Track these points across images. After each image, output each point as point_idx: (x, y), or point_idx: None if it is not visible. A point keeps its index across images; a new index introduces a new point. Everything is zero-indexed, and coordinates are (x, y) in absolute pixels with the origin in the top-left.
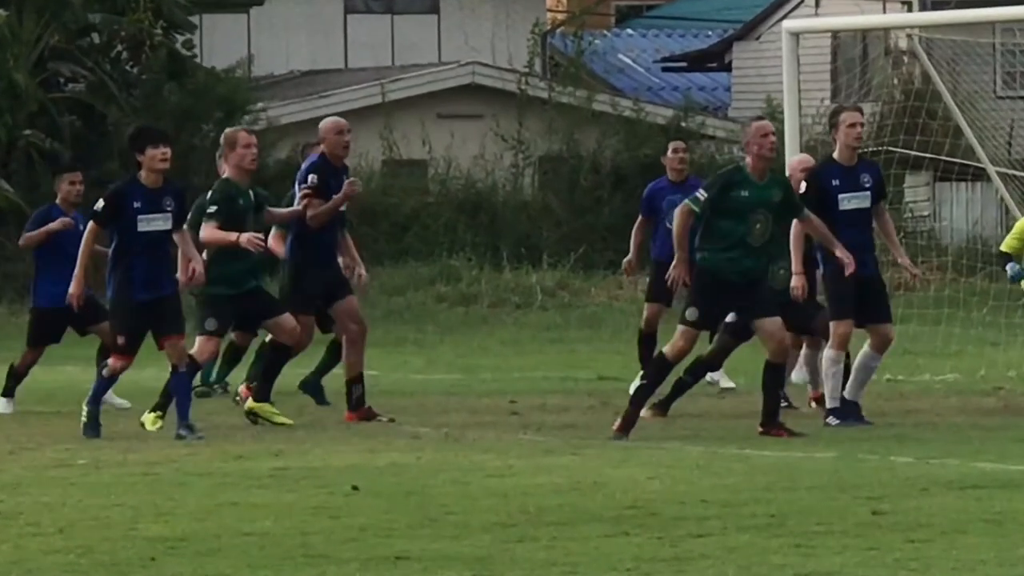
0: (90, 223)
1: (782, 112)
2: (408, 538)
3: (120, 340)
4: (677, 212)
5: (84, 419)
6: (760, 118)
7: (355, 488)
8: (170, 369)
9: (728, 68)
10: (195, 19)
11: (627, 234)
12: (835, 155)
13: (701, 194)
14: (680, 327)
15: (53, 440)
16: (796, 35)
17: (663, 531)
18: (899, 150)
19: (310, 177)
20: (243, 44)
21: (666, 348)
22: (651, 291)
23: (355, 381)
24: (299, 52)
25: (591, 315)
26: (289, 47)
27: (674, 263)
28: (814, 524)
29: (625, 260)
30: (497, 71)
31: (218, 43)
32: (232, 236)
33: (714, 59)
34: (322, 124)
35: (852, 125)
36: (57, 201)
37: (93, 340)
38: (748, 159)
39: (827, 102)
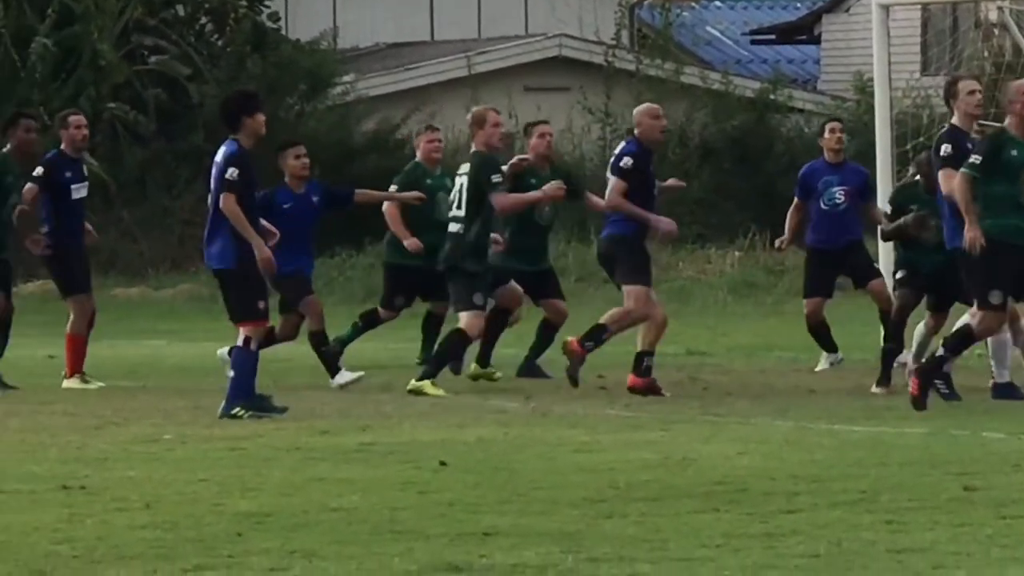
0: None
1: (871, 85)
2: (496, 513)
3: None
4: (958, 181)
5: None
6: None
7: (443, 463)
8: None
9: (817, 40)
10: None
11: (715, 207)
12: (956, 123)
13: (975, 159)
14: (984, 311)
15: (139, 415)
16: (886, 7)
17: (753, 507)
18: (990, 123)
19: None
20: (328, 16)
21: (973, 324)
22: (809, 285)
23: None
24: (385, 24)
25: (679, 289)
26: (375, 19)
27: (967, 227)
28: (905, 500)
29: (778, 240)
30: (584, 43)
31: (303, 15)
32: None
33: (803, 31)
34: (636, 109)
35: (971, 92)
36: (286, 179)
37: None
38: (1010, 119)
39: (916, 75)
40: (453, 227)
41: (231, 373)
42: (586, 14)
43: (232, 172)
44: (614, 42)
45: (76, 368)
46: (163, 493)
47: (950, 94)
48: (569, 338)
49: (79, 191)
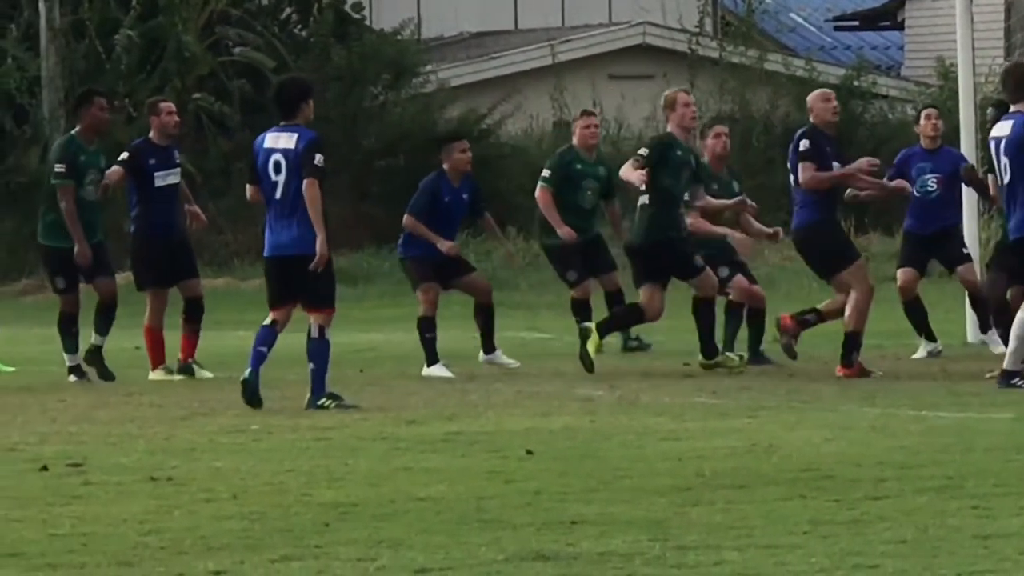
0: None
1: (955, 71)
2: (583, 502)
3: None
4: None
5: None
6: None
7: (529, 452)
8: None
9: (901, 27)
10: None
11: None
12: None
13: None
14: None
15: (225, 406)
16: None
17: (839, 494)
18: None
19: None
20: (412, 5)
21: None
22: (902, 257)
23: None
24: (468, 13)
25: (764, 276)
26: (458, 8)
27: None
28: (991, 486)
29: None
30: (668, 31)
31: (388, 5)
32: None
33: (887, 18)
34: (810, 96)
35: None
36: (446, 167)
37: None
38: None
39: (1000, 60)
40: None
41: (312, 365)
42: (669, 1)
43: (319, 158)
44: (697, 30)
45: (158, 360)
46: (250, 484)
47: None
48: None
49: (164, 178)
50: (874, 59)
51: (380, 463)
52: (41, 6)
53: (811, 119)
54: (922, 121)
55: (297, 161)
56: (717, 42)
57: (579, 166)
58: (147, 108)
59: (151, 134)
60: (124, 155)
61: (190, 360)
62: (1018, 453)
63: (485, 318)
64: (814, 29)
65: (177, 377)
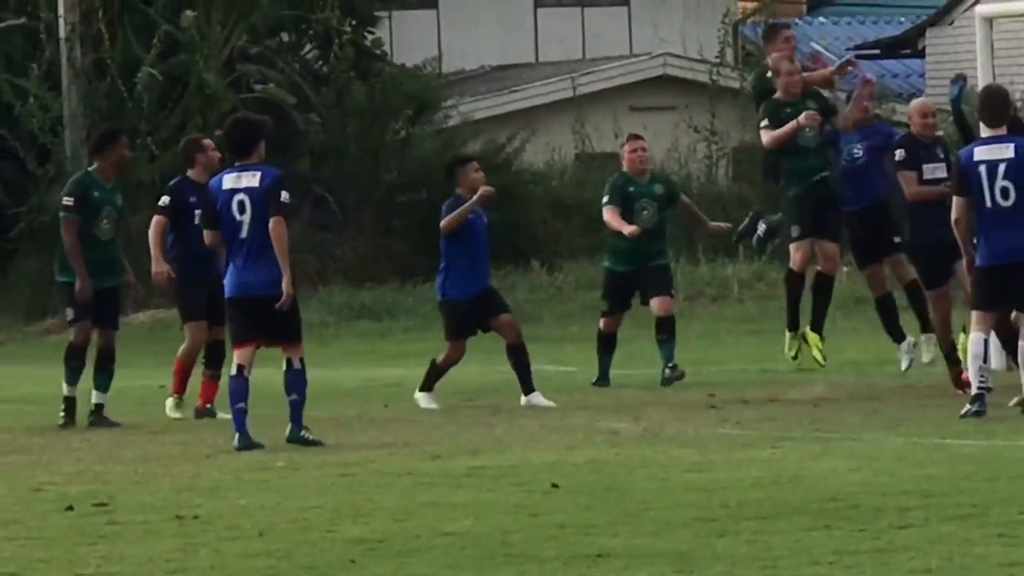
0: None
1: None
2: (609, 535)
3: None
4: None
5: None
6: None
7: (554, 485)
8: None
9: (922, 54)
10: (385, 16)
11: None
12: None
13: None
14: None
15: None
16: (990, 20)
17: (865, 523)
18: None
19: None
20: (433, 40)
21: None
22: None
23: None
24: (489, 47)
25: None
26: (479, 42)
27: None
28: (1016, 513)
29: None
30: (688, 62)
31: (407, 40)
32: None
33: (907, 45)
34: (910, 105)
35: None
36: (461, 192)
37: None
38: None
39: (1022, 87)
40: None
41: (294, 397)
42: (689, 32)
43: (286, 196)
44: (718, 60)
45: (179, 389)
46: (276, 521)
47: None
48: None
49: None
50: (895, 87)
51: (405, 498)
52: (62, 45)
53: (910, 128)
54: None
55: (263, 199)
56: (738, 72)
57: (632, 188)
58: (187, 146)
59: (190, 172)
60: (164, 200)
61: (209, 405)
62: None
63: (517, 358)
64: (835, 58)
65: (177, 415)
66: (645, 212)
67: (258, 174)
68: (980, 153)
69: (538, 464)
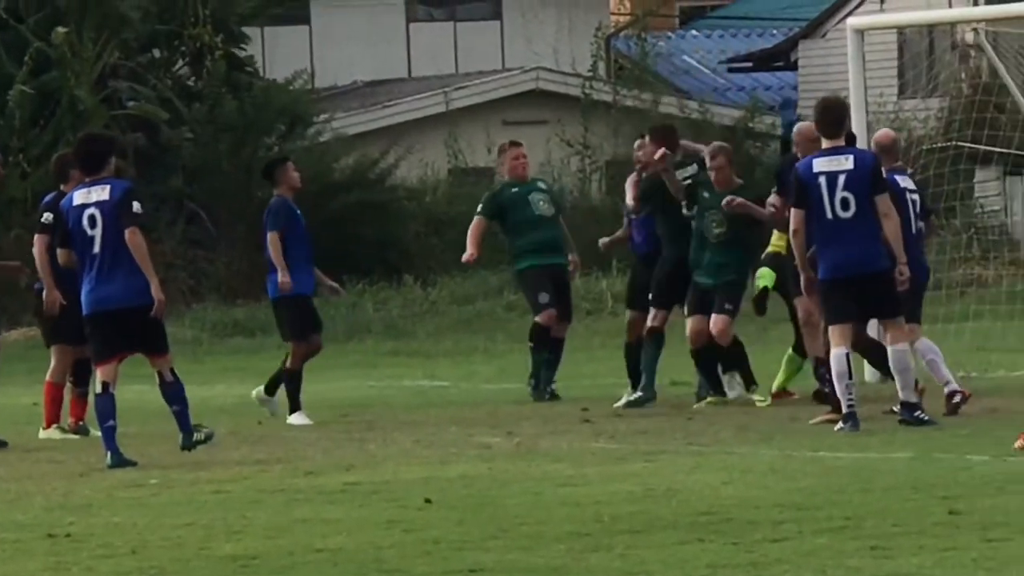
0: None
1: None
2: (482, 550)
3: None
4: None
5: None
6: None
7: (427, 501)
8: None
9: (794, 67)
10: (257, 33)
11: None
12: None
13: None
14: None
15: None
16: (861, 32)
17: (738, 537)
18: (968, 145)
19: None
20: (305, 56)
21: None
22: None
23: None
24: (362, 62)
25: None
26: (352, 57)
27: None
28: (890, 525)
29: None
30: (561, 76)
31: (280, 56)
32: None
33: (780, 58)
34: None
35: None
36: (281, 192)
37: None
38: None
39: (894, 98)
40: None
41: (176, 407)
42: (562, 46)
43: (137, 206)
44: (591, 74)
45: (52, 419)
46: (149, 538)
47: None
48: None
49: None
50: (768, 100)
51: (279, 515)
52: None
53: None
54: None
55: (114, 212)
56: (611, 86)
57: (515, 188)
58: (59, 162)
59: (64, 187)
60: (48, 216)
61: (80, 423)
62: (916, 492)
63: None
64: (708, 71)
65: (72, 436)
66: (542, 203)
67: (107, 187)
68: (819, 165)
69: (411, 479)
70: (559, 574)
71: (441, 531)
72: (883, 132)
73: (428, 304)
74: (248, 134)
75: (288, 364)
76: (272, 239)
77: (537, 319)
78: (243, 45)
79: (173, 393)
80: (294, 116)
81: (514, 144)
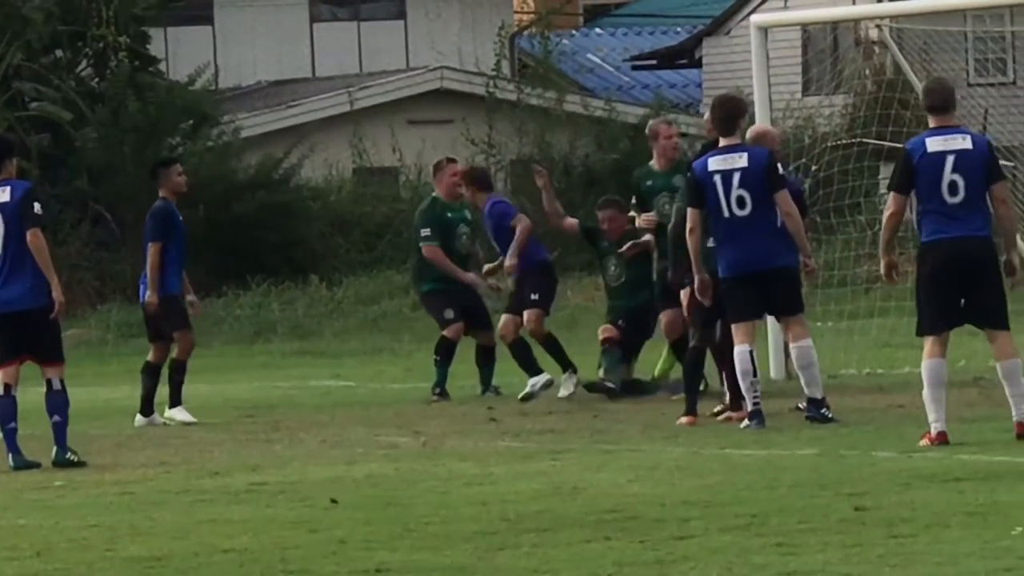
0: None
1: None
2: (388, 550)
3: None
4: None
5: None
6: None
7: (334, 501)
8: None
9: (698, 64)
10: (160, 33)
11: None
12: None
13: None
14: None
15: None
16: (765, 29)
17: (644, 534)
18: (873, 141)
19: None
20: (209, 56)
21: None
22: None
23: None
24: (265, 62)
25: (568, 317)
26: (256, 57)
27: None
28: (796, 522)
29: None
30: (465, 75)
31: (184, 56)
32: None
33: (684, 56)
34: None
35: None
36: (164, 194)
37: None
38: None
39: (798, 95)
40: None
41: (56, 419)
42: (466, 45)
43: (38, 207)
44: (495, 73)
45: None
46: (54, 540)
47: None
48: None
49: None
50: (673, 97)
51: (184, 516)
52: None
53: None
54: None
55: (15, 213)
56: (515, 85)
57: (450, 214)
58: None
59: None
60: None
61: None
62: (822, 489)
63: (173, 372)
64: (612, 69)
65: None
66: (464, 238)
67: (7, 189)
68: (714, 163)
69: (318, 480)
70: (466, 573)
71: (347, 531)
72: (755, 126)
73: (334, 304)
74: (152, 135)
75: (175, 355)
76: (153, 251)
77: (445, 333)
78: (147, 45)
79: (57, 404)
80: (199, 116)
81: (451, 161)
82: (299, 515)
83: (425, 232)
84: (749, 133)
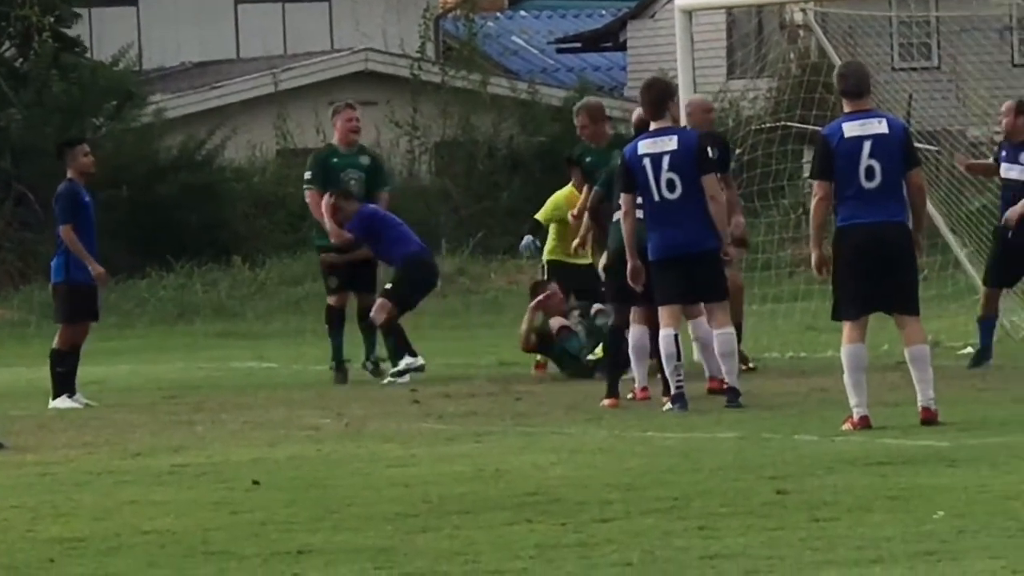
0: None
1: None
2: (310, 531)
3: None
4: None
5: None
6: None
7: (256, 482)
8: None
9: (623, 47)
10: (85, 14)
11: (527, 218)
12: None
13: None
14: None
15: None
16: (689, 12)
17: (566, 517)
18: (797, 125)
19: None
20: (133, 36)
21: None
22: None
23: None
24: (189, 43)
25: (491, 300)
26: (180, 38)
27: None
28: (718, 506)
29: None
30: (390, 57)
31: (108, 36)
32: None
33: (609, 39)
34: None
35: None
36: (71, 175)
37: None
38: None
39: (723, 79)
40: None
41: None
42: (391, 27)
43: None
44: (419, 55)
45: None
46: None
47: None
48: None
49: None
50: (597, 80)
51: (106, 497)
52: None
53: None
54: None
55: None
56: (439, 67)
57: (336, 159)
58: None
59: None
60: None
61: None
62: (744, 472)
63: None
64: (536, 52)
65: None
66: (353, 183)
67: None
68: (644, 147)
69: (240, 461)
70: (387, 555)
71: (269, 513)
72: (699, 99)
73: (257, 285)
74: (76, 115)
75: (55, 344)
76: (66, 233)
77: (329, 302)
78: (71, 26)
79: None
80: (123, 96)
81: (349, 106)
82: (221, 497)
83: (307, 175)
84: (690, 107)
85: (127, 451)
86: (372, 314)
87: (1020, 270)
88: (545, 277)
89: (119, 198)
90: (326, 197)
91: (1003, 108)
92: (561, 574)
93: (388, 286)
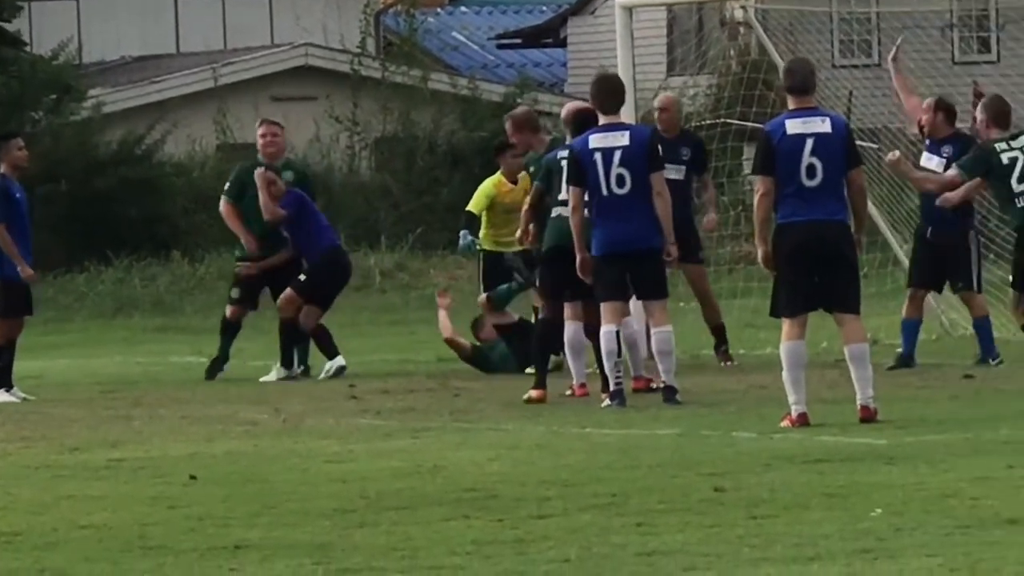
0: None
1: None
2: (247, 526)
3: None
4: None
5: None
6: None
7: (193, 477)
8: None
9: (563, 44)
10: (25, 7)
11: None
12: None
13: None
14: None
15: None
16: (629, 9)
17: (504, 513)
18: (737, 122)
19: None
20: (73, 30)
21: None
22: None
23: None
24: (129, 37)
25: (430, 296)
26: (120, 32)
27: None
28: (656, 502)
29: None
30: (330, 52)
31: (47, 30)
32: None
33: (549, 35)
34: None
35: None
36: (3, 170)
37: None
38: None
39: (663, 75)
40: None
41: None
42: (331, 22)
43: None
44: (360, 50)
45: None
46: None
47: None
48: None
49: None
50: (538, 76)
51: (43, 492)
52: None
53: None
54: None
55: None
56: (380, 62)
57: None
58: None
59: None
60: None
61: None
62: (682, 469)
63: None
64: (477, 47)
65: None
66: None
67: None
68: (595, 141)
69: (177, 456)
70: (325, 550)
71: (206, 507)
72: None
73: (196, 280)
74: (15, 109)
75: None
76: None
77: (226, 311)
78: (11, 20)
79: None
80: (62, 90)
81: (267, 122)
82: (158, 491)
83: (227, 186)
84: (659, 101)
85: (64, 446)
86: (301, 321)
87: (941, 271)
88: (482, 267)
89: (57, 192)
90: (259, 170)
91: (923, 105)
92: (498, 570)
93: (302, 278)
